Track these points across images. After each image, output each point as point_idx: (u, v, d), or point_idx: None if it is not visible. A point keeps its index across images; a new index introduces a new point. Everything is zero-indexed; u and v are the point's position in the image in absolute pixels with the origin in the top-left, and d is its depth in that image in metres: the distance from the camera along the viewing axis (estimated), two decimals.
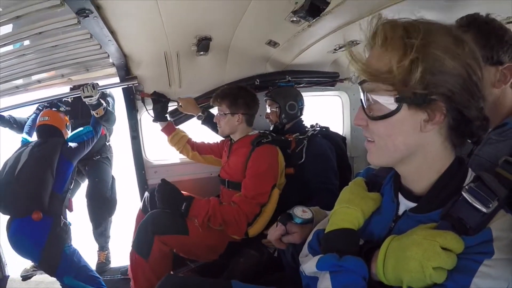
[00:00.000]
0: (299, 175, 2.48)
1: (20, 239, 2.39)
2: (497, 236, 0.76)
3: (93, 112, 2.80)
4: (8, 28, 1.76)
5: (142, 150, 3.07)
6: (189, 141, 2.85)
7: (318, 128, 2.72)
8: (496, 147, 1.19)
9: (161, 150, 3.23)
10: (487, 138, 1.23)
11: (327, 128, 2.77)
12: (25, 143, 2.75)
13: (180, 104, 2.79)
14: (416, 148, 0.86)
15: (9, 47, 1.95)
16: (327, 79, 3.20)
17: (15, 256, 2.78)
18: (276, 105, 2.76)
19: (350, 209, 1.00)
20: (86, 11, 1.62)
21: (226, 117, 2.50)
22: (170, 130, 2.83)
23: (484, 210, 0.80)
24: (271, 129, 2.87)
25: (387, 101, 0.83)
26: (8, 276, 3.07)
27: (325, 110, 3.85)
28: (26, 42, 1.98)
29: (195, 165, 3.10)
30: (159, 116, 2.79)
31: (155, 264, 2.11)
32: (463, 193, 0.83)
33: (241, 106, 2.48)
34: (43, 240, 2.36)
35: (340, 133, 3.54)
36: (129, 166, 3.17)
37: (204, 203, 2.16)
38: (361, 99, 0.90)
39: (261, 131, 2.59)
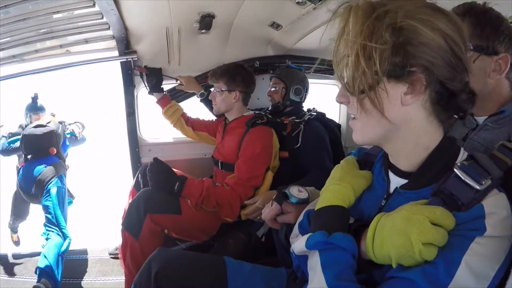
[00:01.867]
0: (294, 159, 2.49)
1: (30, 169, 3.27)
2: (489, 213, 0.76)
3: None
4: None
5: (137, 127, 3.04)
6: (183, 115, 2.83)
7: (315, 113, 2.70)
8: (492, 133, 1.20)
9: (156, 128, 3.23)
10: (483, 125, 1.24)
11: (323, 114, 2.76)
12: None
13: (180, 82, 2.78)
14: (400, 122, 0.85)
15: (7, 11, 1.90)
16: (326, 67, 3.18)
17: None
18: (282, 85, 2.71)
19: (340, 186, 0.99)
20: None
21: (223, 94, 2.48)
22: (165, 102, 2.81)
23: (476, 186, 0.79)
24: (269, 108, 2.86)
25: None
26: None
27: (321, 99, 3.86)
28: (26, 7, 1.92)
29: (189, 145, 3.10)
30: (155, 87, 2.78)
31: (145, 243, 2.06)
32: (455, 169, 0.83)
33: (239, 84, 2.48)
34: (48, 163, 3.32)
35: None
36: (123, 143, 3.16)
37: (198, 183, 2.14)
38: (342, 76, 0.89)
39: (256, 112, 2.59)
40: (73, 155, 3.74)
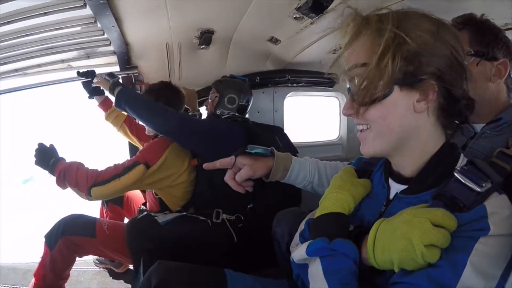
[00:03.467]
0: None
1: None
2: (491, 212, 0.75)
3: None
4: (12, 6, 1.75)
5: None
6: (126, 121, 2.76)
7: (229, 115, 2.39)
8: (490, 141, 1.21)
9: None
10: (481, 132, 1.26)
11: (245, 119, 2.45)
12: None
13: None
14: (411, 129, 0.87)
15: (11, 26, 1.94)
16: (325, 80, 3.22)
17: (2, 242, 3.06)
18: (216, 94, 2.47)
19: (340, 194, 0.99)
20: None
21: None
22: (107, 105, 2.74)
23: (477, 189, 0.79)
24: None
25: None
26: None
27: (322, 112, 3.87)
28: (30, 22, 1.97)
29: None
30: (94, 90, 2.59)
31: (56, 258, 2.17)
32: (455, 173, 0.83)
33: None
34: None
35: (336, 134, 3.60)
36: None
37: (67, 163, 2.07)
38: (348, 88, 0.91)
39: None
40: None
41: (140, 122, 2.59)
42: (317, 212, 1.00)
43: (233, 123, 2.31)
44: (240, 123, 2.35)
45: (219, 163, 1.37)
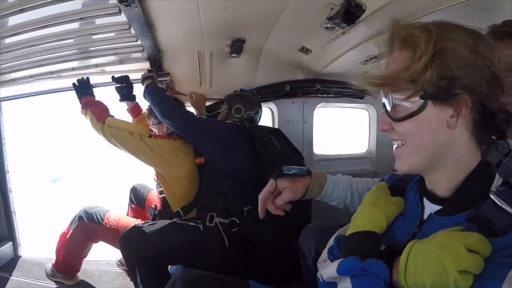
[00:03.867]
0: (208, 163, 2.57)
1: None
2: None
3: None
4: (49, 11, 1.81)
5: None
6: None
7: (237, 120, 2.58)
8: None
9: None
10: None
11: (253, 126, 2.60)
12: None
13: (192, 97, 2.86)
14: (446, 145, 0.84)
15: (49, 30, 2.01)
16: (355, 91, 3.16)
17: (29, 237, 3.21)
18: (226, 106, 2.62)
19: (373, 212, 0.97)
20: (129, 0, 1.66)
21: (156, 128, 2.64)
22: (136, 112, 2.92)
23: None
24: None
25: (412, 100, 0.84)
26: (20, 256, 3.13)
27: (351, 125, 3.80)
28: (66, 27, 2.03)
29: None
30: (126, 96, 2.81)
31: (72, 238, 2.59)
32: (490, 195, 0.79)
33: None
34: None
35: (365, 148, 3.53)
36: None
37: (99, 100, 2.55)
38: (383, 103, 0.90)
39: None
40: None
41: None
42: (349, 230, 0.98)
43: (232, 125, 2.52)
44: (239, 126, 2.51)
45: (261, 196, 1.32)
